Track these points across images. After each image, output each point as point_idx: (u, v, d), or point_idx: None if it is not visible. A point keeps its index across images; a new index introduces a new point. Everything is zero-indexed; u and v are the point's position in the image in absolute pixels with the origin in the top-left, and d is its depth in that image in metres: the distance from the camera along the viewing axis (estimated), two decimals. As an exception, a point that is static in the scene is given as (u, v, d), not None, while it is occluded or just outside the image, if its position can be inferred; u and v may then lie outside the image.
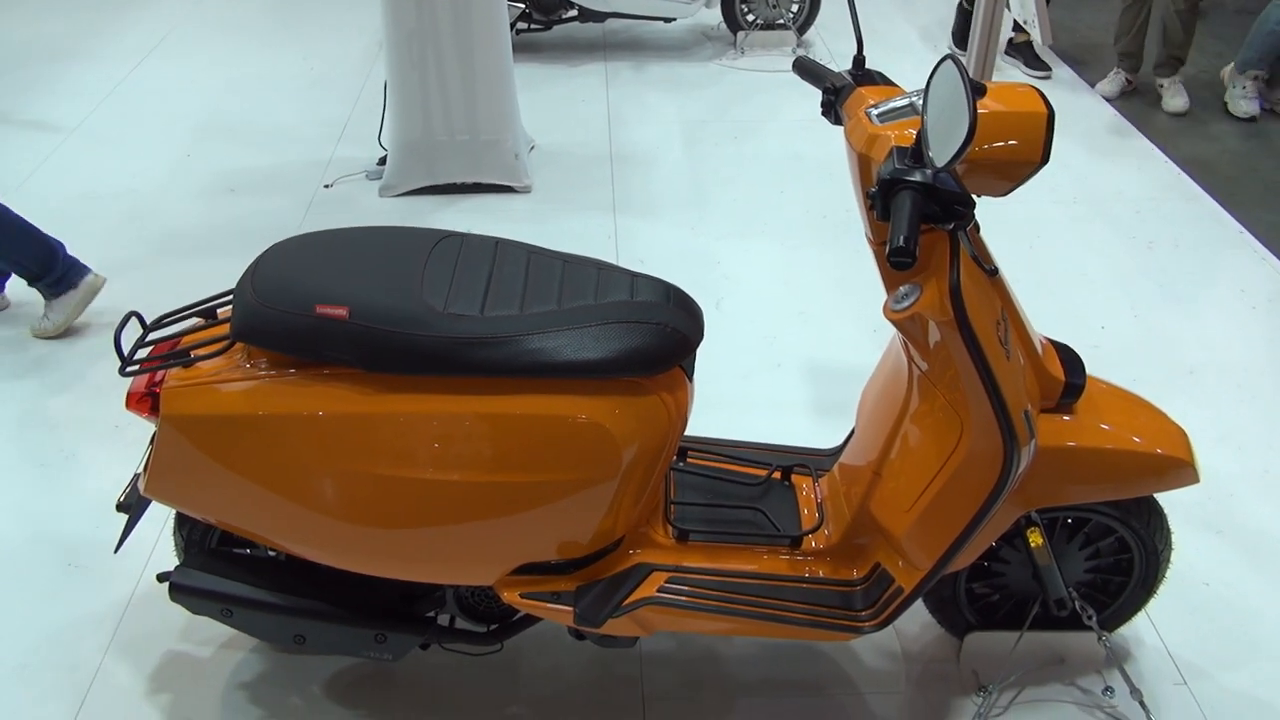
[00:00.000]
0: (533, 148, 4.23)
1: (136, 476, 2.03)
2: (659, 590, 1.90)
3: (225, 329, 1.80)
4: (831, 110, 1.82)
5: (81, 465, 2.70)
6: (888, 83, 1.79)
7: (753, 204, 3.87)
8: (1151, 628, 2.26)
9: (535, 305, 1.74)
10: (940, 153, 1.30)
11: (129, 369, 1.77)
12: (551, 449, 1.72)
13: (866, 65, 1.82)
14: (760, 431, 2.78)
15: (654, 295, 1.80)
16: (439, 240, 1.84)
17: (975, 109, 1.28)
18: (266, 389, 1.72)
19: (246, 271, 1.78)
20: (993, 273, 1.57)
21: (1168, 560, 2.06)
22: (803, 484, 2.12)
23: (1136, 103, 4.71)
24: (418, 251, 1.80)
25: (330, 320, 1.66)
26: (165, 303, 3.26)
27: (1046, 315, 3.21)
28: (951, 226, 1.51)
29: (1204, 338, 3.17)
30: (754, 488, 2.09)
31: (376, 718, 2.09)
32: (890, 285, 1.72)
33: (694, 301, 1.86)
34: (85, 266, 3.16)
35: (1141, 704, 2.05)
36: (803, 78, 1.93)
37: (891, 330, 1.83)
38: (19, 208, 3.08)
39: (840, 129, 1.82)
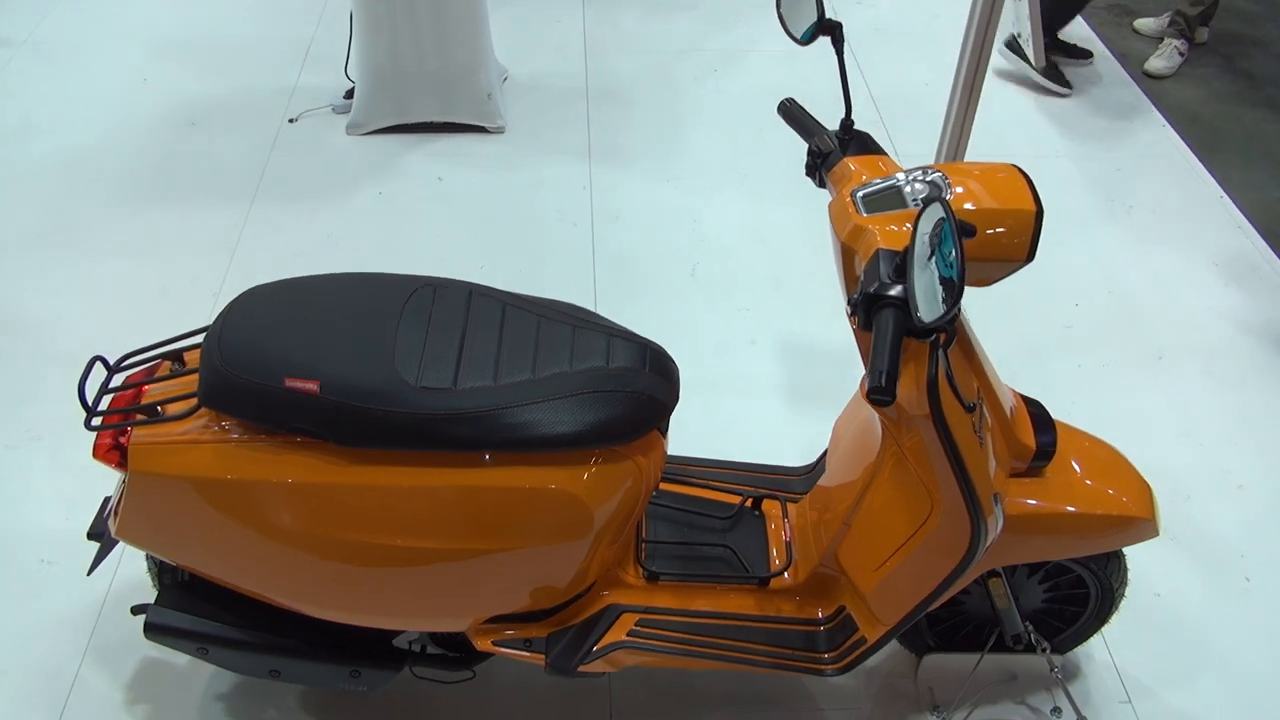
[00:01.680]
0: (505, 79, 4.08)
1: (107, 501, 2.03)
2: (629, 634, 1.94)
3: (193, 381, 1.77)
4: (815, 173, 1.77)
5: (48, 446, 2.68)
6: (875, 150, 1.73)
7: (731, 151, 3.79)
8: (1102, 643, 2.35)
9: (509, 374, 1.71)
10: (928, 308, 1.27)
11: (94, 422, 1.74)
12: (525, 518, 1.72)
13: (855, 126, 1.76)
14: (733, 418, 2.82)
15: (629, 360, 1.77)
16: (411, 294, 1.80)
17: (964, 261, 1.24)
18: (235, 453, 1.70)
19: (214, 328, 1.73)
20: (970, 409, 1.55)
21: (1122, 595, 2.12)
22: (773, 514, 2.14)
23: (1134, 45, 4.59)
24: (389, 310, 1.76)
25: (300, 394, 1.63)
26: (125, 266, 3.20)
27: (1023, 289, 3.23)
28: (933, 340, 1.49)
29: (1175, 317, 3.18)
30: (724, 520, 2.12)
31: (352, 730, 2.15)
32: (868, 362, 1.70)
33: (670, 361, 1.84)
34: None
35: (1086, 726, 2.15)
36: (788, 124, 1.86)
37: None
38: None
39: (823, 190, 1.78)
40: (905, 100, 4.07)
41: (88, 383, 1.76)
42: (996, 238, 1.57)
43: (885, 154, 1.74)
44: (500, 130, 3.82)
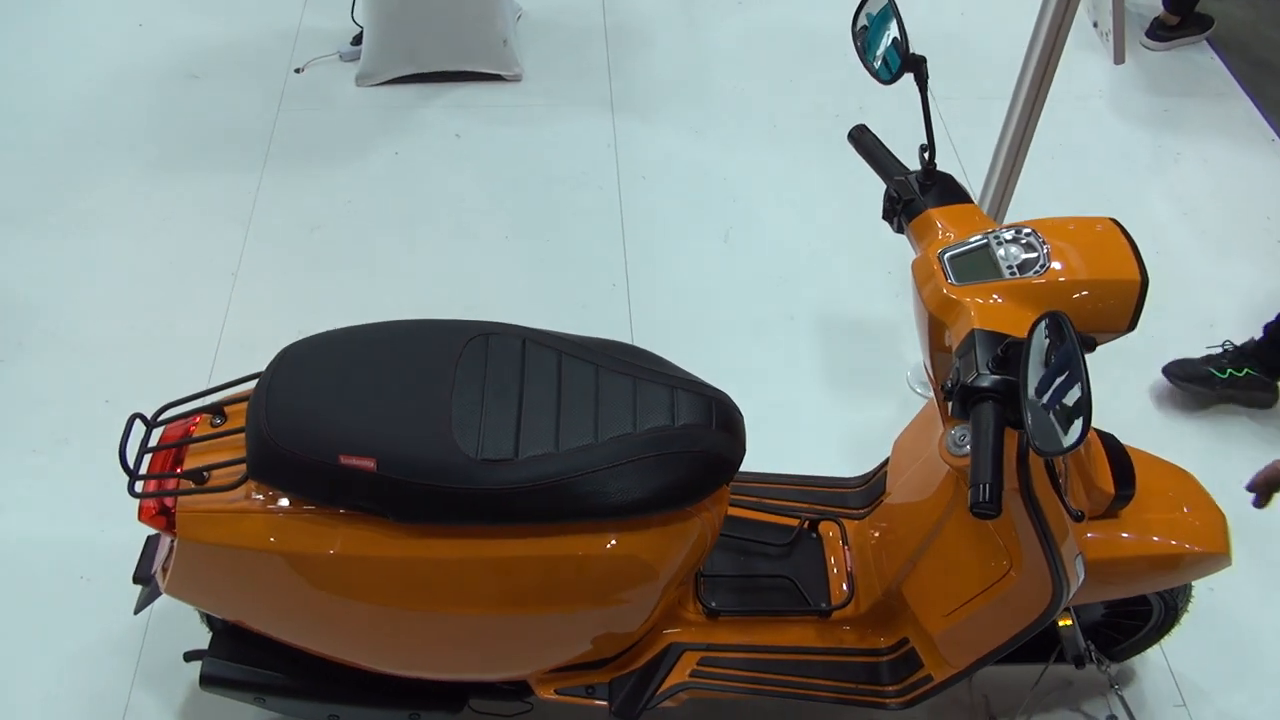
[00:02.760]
0: (520, 16, 3.87)
1: (149, 542, 1.98)
2: (691, 675, 1.91)
3: (237, 442, 1.69)
4: (894, 219, 1.66)
5: (77, 450, 2.61)
6: (959, 196, 1.62)
7: (761, 99, 3.61)
8: (1157, 645, 2.33)
9: (571, 438, 1.64)
10: (1046, 438, 1.18)
11: (138, 488, 1.68)
12: (590, 583, 1.67)
13: (937, 164, 1.64)
14: (774, 405, 2.74)
15: (695, 415, 1.69)
16: (463, 347, 1.70)
17: (1089, 383, 1.15)
18: (285, 524, 1.64)
19: (259, 391, 1.65)
20: (1079, 518, 1.46)
21: (1185, 611, 2.09)
22: (831, 537, 2.09)
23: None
24: (442, 369, 1.67)
25: (356, 471, 1.56)
26: (136, 242, 3.07)
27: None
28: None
29: (1225, 280, 3.08)
30: (782, 546, 2.07)
31: (408, 754, 2.14)
32: (949, 421, 1.62)
33: (736, 412, 1.75)
34: None
35: (1141, 736, 2.15)
36: (861, 155, 1.74)
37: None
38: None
39: (903, 235, 1.67)
40: (940, 33, 3.87)
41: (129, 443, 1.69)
42: (1093, 304, 1.48)
43: (970, 200, 1.62)
44: (517, 79, 3.64)
